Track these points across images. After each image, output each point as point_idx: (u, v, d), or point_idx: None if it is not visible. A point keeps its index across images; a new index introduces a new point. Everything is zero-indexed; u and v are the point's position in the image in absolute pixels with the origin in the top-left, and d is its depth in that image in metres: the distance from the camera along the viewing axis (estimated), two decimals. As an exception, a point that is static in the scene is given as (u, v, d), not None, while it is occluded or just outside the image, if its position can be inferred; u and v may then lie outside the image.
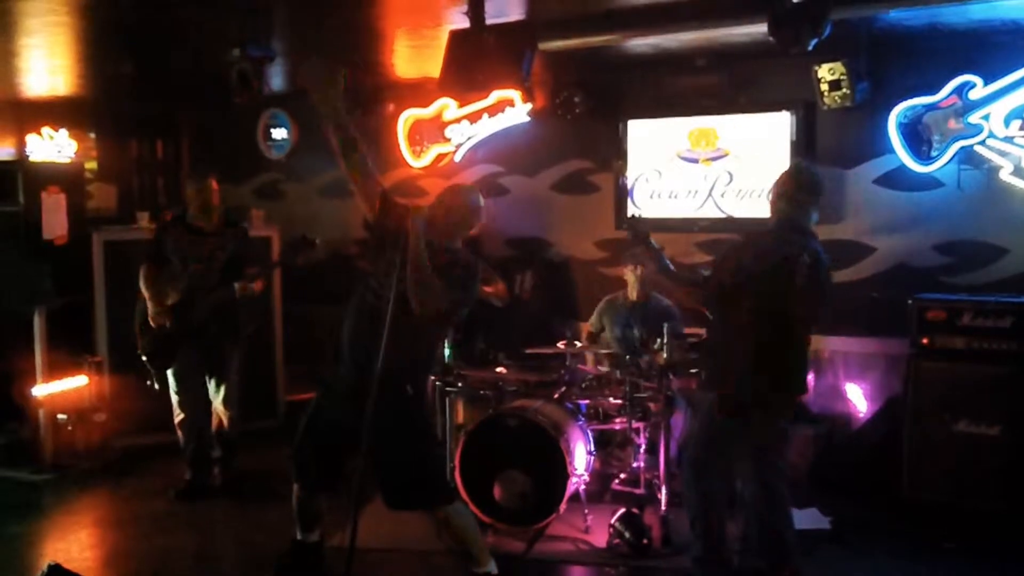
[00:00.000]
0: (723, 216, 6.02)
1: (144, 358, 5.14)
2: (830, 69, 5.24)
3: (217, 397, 5.27)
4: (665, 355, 4.63)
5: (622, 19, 4.96)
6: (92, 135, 8.07)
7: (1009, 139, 5.08)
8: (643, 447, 4.90)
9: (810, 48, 4.22)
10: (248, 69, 5.12)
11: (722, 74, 6.00)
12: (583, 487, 4.70)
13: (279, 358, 6.73)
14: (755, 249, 3.85)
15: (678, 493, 4.23)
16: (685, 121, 6.11)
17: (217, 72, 5.35)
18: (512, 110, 6.40)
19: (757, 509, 3.87)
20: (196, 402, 5.26)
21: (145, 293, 5.07)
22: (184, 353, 5.13)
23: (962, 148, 5.20)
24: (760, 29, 4.36)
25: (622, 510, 4.39)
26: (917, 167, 5.33)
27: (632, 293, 5.58)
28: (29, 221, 5.93)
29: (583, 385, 5.16)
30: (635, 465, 4.93)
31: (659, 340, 4.68)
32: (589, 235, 6.55)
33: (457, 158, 6.68)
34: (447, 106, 6.62)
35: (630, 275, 5.54)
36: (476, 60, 4.65)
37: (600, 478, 5.10)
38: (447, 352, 5.17)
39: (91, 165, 7.85)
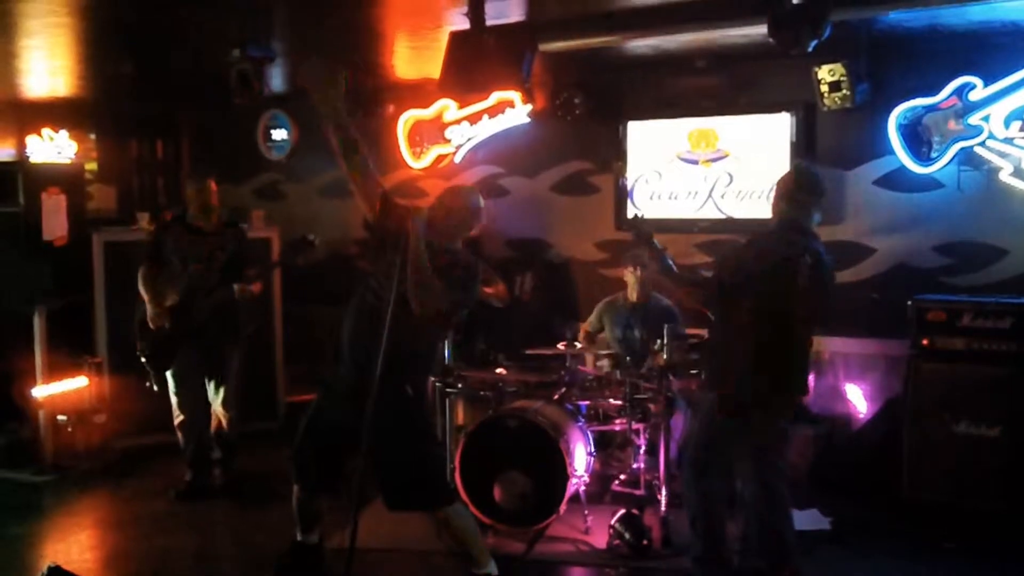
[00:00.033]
0: (723, 217, 6.02)
1: (143, 359, 5.14)
2: (830, 70, 5.25)
3: (216, 399, 5.27)
4: (665, 356, 4.63)
5: (622, 20, 4.96)
6: (92, 136, 8.07)
7: (1009, 140, 5.08)
8: (643, 448, 4.90)
9: (810, 49, 4.22)
10: (248, 70, 5.13)
11: (722, 75, 6.00)
12: (583, 488, 4.70)
13: (279, 358, 6.73)
14: (756, 249, 3.86)
15: (678, 494, 4.23)
16: (685, 122, 6.11)
17: (217, 72, 5.36)
18: (512, 111, 6.41)
19: (757, 509, 3.87)
20: (195, 403, 5.26)
21: (144, 294, 5.07)
22: (183, 354, 5.13)
23: (962, 149, 5.20)
24: (760, 30, 4.36)
25: (622, 511, 4.39)
26: (917, 168, 5.33)
27: (632, 294, 5.58)
28: (29, 222, 5.93)
29: (583, 386, 5.16)
30: (635, 466, 4.93)
31: (659, 341, 4.68)
32: (589, 236, 6.55)
33: (457, 159, 6.68)
34: (447, 107, 6.63)
35: (630, 276, 5.54)
36: (476, 61, 4.66)
37: (600, 479, 5.10)
38: (447, 353, 5.17)
39: (91, 166, 7.85)
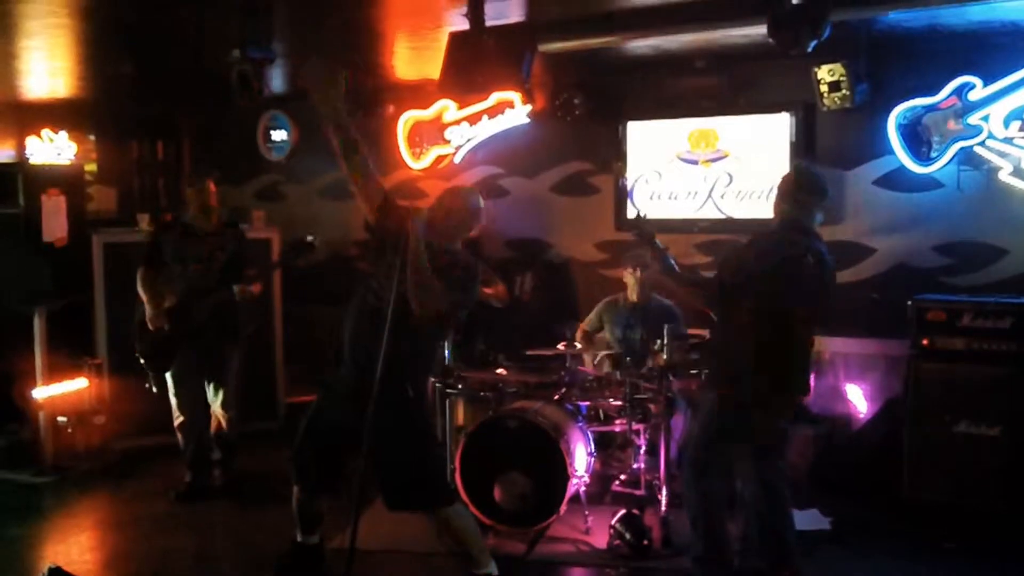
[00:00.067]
0: (723, 217, 6.02)
1: (142, 360, 5.14)
2: (830, 70, 5.25)
3: (215, 401, 5.27)
4: (665, 356, 4.63)
5: (622, 21, 4.96)
6: (92, 137, 8.08)
7: (1008, 140, 5.08)
8: (643, 448, 4.90)
9: (809, 50, 4.22)
10: (248, 71, 5.12)
11: (722, 76, 6.00)
12: (583, 488, 4.70)
13: (279, 359, 6.73)
14: (757, 249, 3.86)
15: (678, 494, 4.22)
16: (685, 122, 6.12)
17: (217, 73, 5.35)
18: (512, 112, 6.40)
19: (757, 509, 3.87)
20: (195, 404, 5.25)
21: (143, 295, 5.07)
22: (183, 355, 5.13)
23: (962, 149, 5.20)
24: (760, 31, 4.36)
25: (622, 511, 4.39)
26: (917, 168, 5.33)
27: (632, 295, 5.58)
28: (29, 223, 5.94)
29: (583, 387, 5.16)
30: (635, 466, 4.93)
31: (659, 341, 4.68)
32: (589, 237, 6.55)
33: (457, 160, 6.68)
34: (447, 108, 6.63)
35: (629, 277, 5.54)
36: (476, 62, 4.66)
37: (600, 479, 5.10)
38: (447, 353, 5.17)
39: (91, 167, 7.87)
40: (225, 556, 4.71)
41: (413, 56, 5.86)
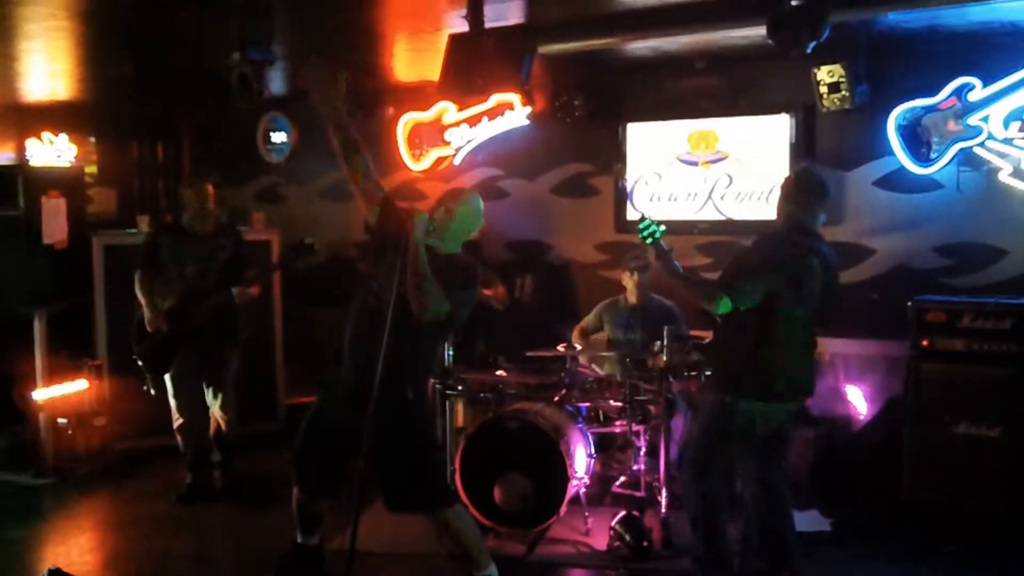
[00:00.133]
0: (723, 218, 6.02)
1: (140, 362, 5.14)
2: (829, 71, 5.25)
3: (214, 402, 5.27)
4: (665, 357, 4.63)
5: (622, 22, 4.96)
6: (92, 139, 8.08)
7: (1008, 141, 5.08)
8: (643, 450, 4.89)
9: (809, 51, 4.23)
10: (248, 72, 5.13)
11: (722, 77, 6.01)
12: (583, 490, 4.70)
13: (279, 360, 6.72)
14: (760, 250, 3.86)
15: (678, 495, 4.23)
16: (685, 124, 6.12)
17: (217, 75, 5.36)
18: (512, 113, 6.41)
19: (758, 510, 3.87)
20: (194, 406, 5.25)
21: (140, 298, 5.07)
22: (182, 357, 5.13)
23: (961, 150, 5.20)
24: (759, 32, 4.37)
25: (622, 513, 4.39)
26: (916, 169, 5.33)
27: (631, 297, 5.58)
28: (29, 225, 5.93)
29: (583, 388, 5.16)
30: (635, 468, 4.92)
31: (659, 343, 4.68)
32: (589, 238, 6.55)
33: (457, 161, 6.68)
34: (447, 109, 6.63)
35: (628, 280, 5.53)
36: (476, 63, 4.66)
37: (600, 481, 5.10)
38: (448, 355, 5.17)
39: (91, 169, 7.87)
40: (225, 557, 4.71)
41: (413, 58, 5.86)
